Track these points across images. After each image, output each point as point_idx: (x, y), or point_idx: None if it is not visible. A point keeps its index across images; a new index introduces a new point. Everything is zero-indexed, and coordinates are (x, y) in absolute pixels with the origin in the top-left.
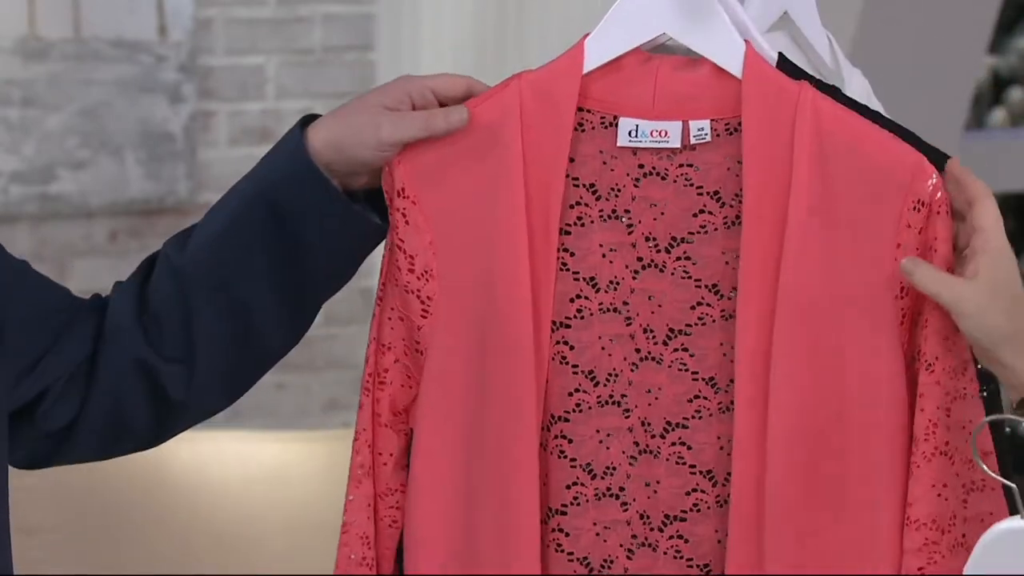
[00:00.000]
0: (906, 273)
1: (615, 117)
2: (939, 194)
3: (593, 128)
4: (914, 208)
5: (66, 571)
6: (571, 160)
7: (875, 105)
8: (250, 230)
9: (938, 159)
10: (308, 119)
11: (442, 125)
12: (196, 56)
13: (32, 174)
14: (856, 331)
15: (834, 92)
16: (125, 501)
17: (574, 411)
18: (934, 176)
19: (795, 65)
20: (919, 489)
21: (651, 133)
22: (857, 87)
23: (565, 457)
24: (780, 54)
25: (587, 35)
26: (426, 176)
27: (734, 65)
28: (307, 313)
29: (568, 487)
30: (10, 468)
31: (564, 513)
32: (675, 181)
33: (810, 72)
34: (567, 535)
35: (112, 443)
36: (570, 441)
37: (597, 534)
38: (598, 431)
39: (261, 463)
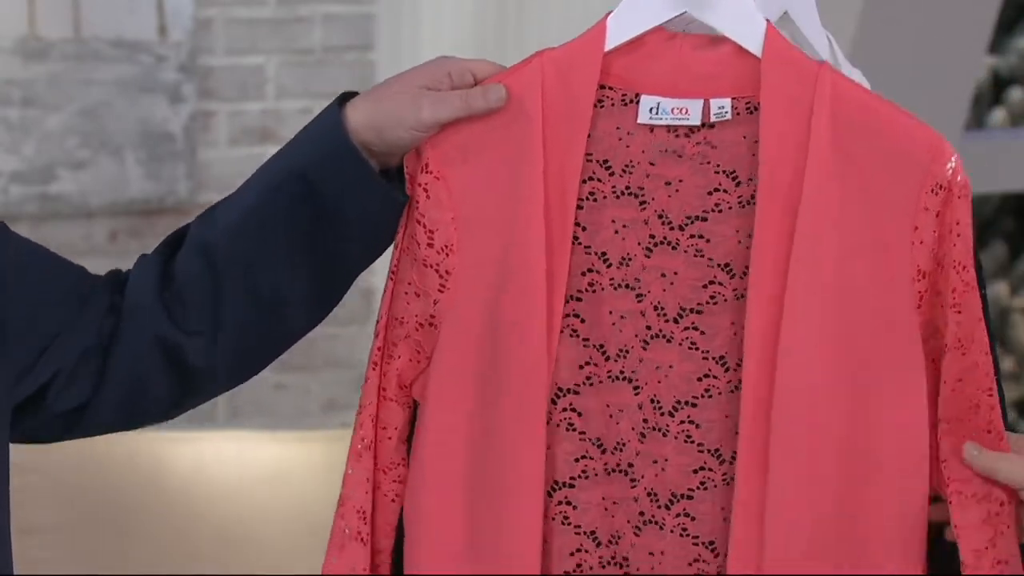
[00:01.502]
0: (970, 460)
1: (636, 94)
2: (959, 177)
3: (613, 105)
4: (932, 191)
5: (66, 571)
6: (588, 136)
7: None
8: (284, 206)
9: None
10: (346, 96)
11: (481, 103)
12: (196, 56)
13: (32, 174)
14: (871, 313)
15: None
16: (125, 501)
17: (584, 384)
18: (953, 159)
19: None
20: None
21: (672, 111)
22: None
23: (574, 430)
24: None
25: (609, 13)
26: (452, 153)
27: (754, 44)
28: (336, 290)
29: (577, 460)
30: (11, 467)
31: (572, 486)
32: (691, 159)
33: None
34: (575, 508)
35: (126, 418)
36: (580, 414)
37: (605, 509)
38: (608, 406)
39: (261, 463)
